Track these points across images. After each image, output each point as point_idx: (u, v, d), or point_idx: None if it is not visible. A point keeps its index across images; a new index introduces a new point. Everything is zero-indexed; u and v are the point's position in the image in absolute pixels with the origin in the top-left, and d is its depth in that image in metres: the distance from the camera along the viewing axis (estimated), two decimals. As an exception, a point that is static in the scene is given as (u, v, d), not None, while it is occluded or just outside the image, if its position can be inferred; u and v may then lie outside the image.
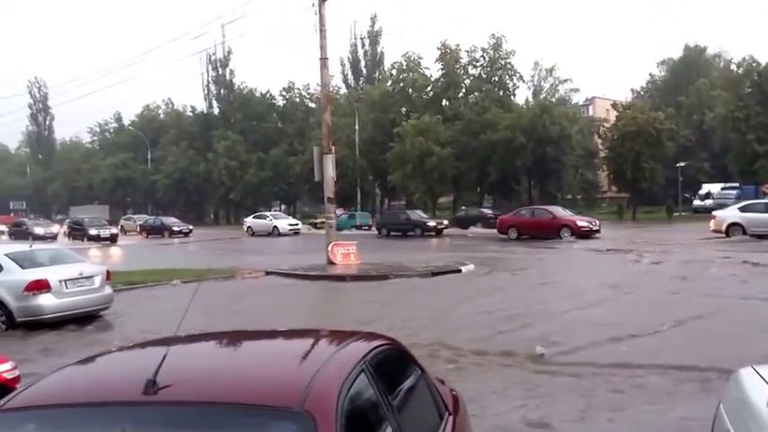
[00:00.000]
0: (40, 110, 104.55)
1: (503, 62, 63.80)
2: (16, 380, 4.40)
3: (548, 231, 33.07)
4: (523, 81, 67.13)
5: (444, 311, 13.35)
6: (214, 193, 74.62)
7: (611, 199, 69.52)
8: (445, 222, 44.62)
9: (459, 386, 4.82)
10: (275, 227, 49.07)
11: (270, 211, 61.72)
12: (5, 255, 13.30)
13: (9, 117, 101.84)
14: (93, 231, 46.90)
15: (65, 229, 51.56)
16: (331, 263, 22.34)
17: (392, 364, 3.33)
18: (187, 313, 3.12)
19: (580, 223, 34.02)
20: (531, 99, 68.64)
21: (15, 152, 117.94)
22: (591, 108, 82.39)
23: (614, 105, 59.75)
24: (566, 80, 73.60)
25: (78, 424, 2.42)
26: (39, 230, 49.06)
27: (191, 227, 52.92)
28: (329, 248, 22.81)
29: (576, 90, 75.85)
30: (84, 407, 2.46)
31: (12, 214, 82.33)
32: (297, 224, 50.79)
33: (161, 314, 14.05)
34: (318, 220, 56.69)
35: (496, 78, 64.22)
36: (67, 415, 2.45)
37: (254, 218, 53.28)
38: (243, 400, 2.39)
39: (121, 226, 57.51)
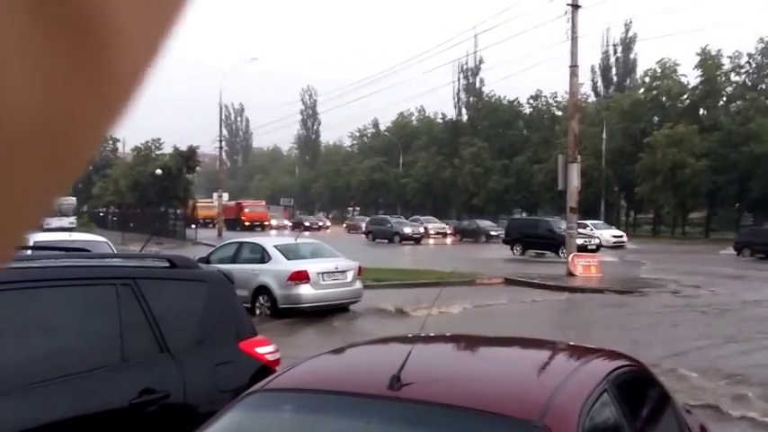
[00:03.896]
0: (310, 115, 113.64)
1: (772, 68, 58.14)
2: (277, 362, 4.82)
3: None
4: (797, 88, 60.49)
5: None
6: (458, 198, 75.88)
7: None
8: None
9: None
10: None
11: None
12: (274, 246, 14.73)
13: (284, 121, 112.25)
14: (407, 230, 46.84)
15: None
16: (571, 274, 21.93)
17: (636, 386, 3.19)
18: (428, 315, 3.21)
19: None
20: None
21: (287, 153, 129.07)
22: None
23: None
24: None
25: (329, 410, 2.59)
26: (407, 230, 47.40)
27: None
28: (569, 259, 22.53)
29: None
30: (335, 395, 2.61)
31: (284, 209, 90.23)
32: (622, 236, 43.79)
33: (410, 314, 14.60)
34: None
35: (764, 86, 58.86)
36: (320, 400, 2.62)
37: None
38: (481, 406, 2.40)
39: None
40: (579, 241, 31.65)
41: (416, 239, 46.24)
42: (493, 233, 48.54)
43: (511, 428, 2.31)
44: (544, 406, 2.36)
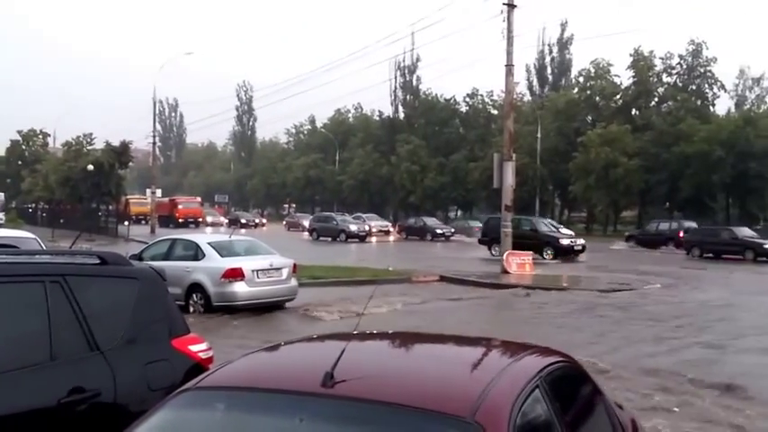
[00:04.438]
0: (245, 111, 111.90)
1: (702, 70, 60.17)
2: (209, 360, 4.76)
3: None
4: (725, 90, 62.81)
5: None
6: (395, 196, 76.23)
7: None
8: None
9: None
10: None
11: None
12: (208, 243, 14.52)
13: (219, 117, 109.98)
14: (353, 228, 46.23)
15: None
16: (505, 272, 22.19)
17: (568, 382, 3.24)
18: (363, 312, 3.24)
19: None
20: (733, 110, 64.16)
21: (222, 149, 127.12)
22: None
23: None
24: (776, 91, 67.57)
25: (262, 408, 2.56)
26: (353, 228, 46.55)
27: (453, 230, 50.58)
28: (504, 257, 22.70)
29: (789, 103, 68.90)
30: (267, 392, 2.59)
31: (216, 206, 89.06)
32: (572, 235, 36.42)
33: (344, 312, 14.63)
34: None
35: (694, 87, 60.63)
36: (253, 398, 2.59)
37: None
38: (414, 403, 2.40)
39: None
40: (564, 242, 31.09)
41: (362, 237, 45.96)
42: (438, 231, 49.15)
43: (442, 425, 2.30)
44: (476, 403, 2.37)
